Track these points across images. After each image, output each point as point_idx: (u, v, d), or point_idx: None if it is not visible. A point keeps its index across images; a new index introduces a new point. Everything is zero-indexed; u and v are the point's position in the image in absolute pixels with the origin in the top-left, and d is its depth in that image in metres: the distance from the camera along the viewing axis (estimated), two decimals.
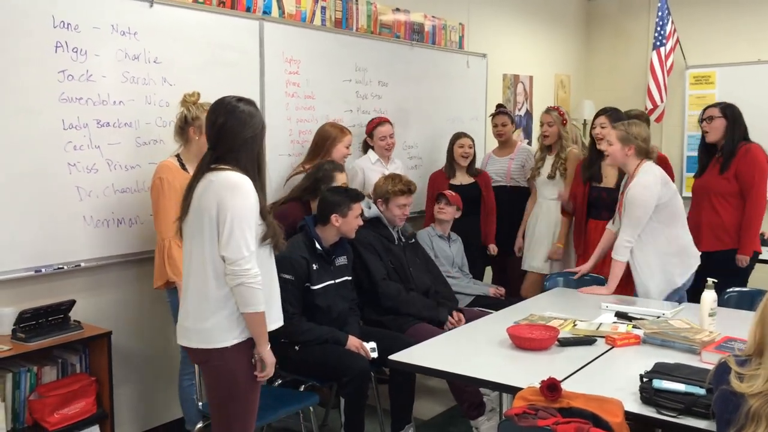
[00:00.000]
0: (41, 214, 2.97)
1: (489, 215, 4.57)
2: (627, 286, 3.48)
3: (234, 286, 2.28)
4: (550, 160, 4.48)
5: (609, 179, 4.01)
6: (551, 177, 4.41)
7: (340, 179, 3.59)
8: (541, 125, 4.50)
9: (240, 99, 2.40)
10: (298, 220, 3.42)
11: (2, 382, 2.74)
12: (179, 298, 3.02)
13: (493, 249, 4.56)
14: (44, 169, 2.97)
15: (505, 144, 4.87)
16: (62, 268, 3.07)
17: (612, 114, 3.99)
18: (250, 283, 2.27)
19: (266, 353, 2.38)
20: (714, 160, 3.93)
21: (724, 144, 3.88)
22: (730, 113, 3.89)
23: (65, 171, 3.04)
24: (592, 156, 4.09)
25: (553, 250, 4.40)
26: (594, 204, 4.05)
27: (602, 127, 3.96)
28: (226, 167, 2.31)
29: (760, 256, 4.04)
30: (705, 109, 4.01)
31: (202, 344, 2.35)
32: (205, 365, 2.43)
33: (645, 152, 3.36)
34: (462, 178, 4.52)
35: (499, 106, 5.00)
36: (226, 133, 2.33)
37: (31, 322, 2.82)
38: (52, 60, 2.97)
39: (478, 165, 4.77)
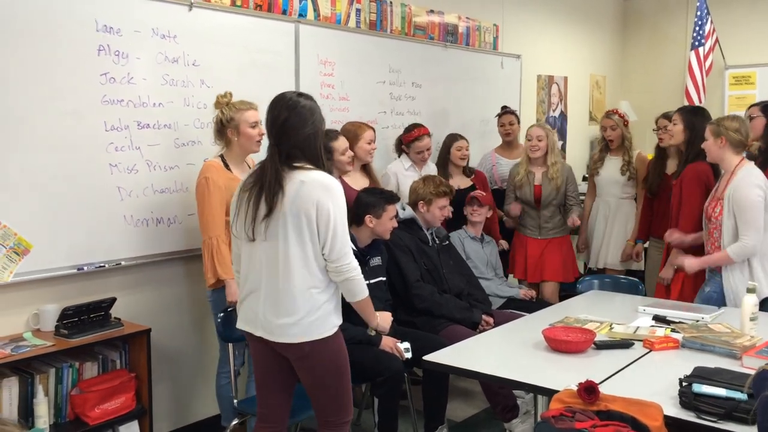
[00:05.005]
0: (83, 214, 3.04)
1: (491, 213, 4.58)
2: (692, 293, 3.47)
3: (341, 281, 2.41)
4: (611, 160, 4.56)
5: None
6: (626, 176, 4.50)
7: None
8: (604, 130, 4.58)
9: (300, 94, 2.45)
10: None
11: (45, 378, 2.81)
12: (226, 295, 3.06)
13: (504, 244, 4.56)
14: (86, 170, 3.04)
15: (510, 144, 4.84)
16: (103, 266, 3.13)
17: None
18: (353, 276, 2.41)
19: (379, 323, 2.71)
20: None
21: (762, 146, 3.80)
22: None
23: (107, 171, 3.11)
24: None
25: (633, 249, 4.50)
26: None
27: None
28: (309, 166, 2.37)
29: None
30: (749, 108, 3.96)
31: (306, 337, 2.40)
32: (306, 359, 2.45)
33: (741, 144, 3.28)
34: (459, 181, 4.46)
35: (504, 107, 4.97)
36: (289, 130, 2.37)
37: (73, 319, 2.89)
38: (94, 63, 3.03)
39: (479, 165, 4.80)
